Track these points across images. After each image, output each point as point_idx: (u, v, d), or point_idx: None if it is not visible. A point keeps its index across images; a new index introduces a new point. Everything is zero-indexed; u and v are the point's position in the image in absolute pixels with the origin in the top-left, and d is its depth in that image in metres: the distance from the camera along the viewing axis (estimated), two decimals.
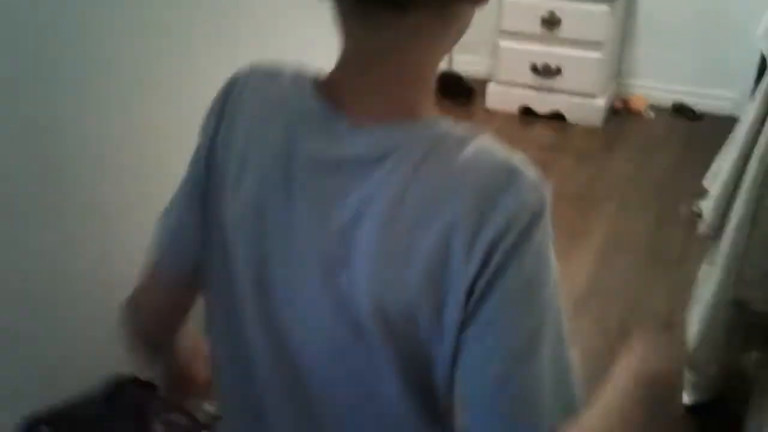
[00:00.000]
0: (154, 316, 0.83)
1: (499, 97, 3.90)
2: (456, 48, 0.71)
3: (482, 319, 0.58)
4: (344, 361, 0.66)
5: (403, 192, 0.60)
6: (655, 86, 3.97)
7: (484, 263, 0.57)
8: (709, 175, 1.90)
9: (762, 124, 1.55)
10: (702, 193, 1.85)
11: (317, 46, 1.28)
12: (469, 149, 0.60)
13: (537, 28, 3.60)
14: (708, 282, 1.75)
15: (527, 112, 3.86)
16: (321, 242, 0.64)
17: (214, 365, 0.80)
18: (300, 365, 0.69)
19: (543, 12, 3.56)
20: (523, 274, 0.58)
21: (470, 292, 0.58)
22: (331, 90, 0.66)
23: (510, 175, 0.59)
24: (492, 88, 3.92)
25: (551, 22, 3.55)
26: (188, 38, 1.56)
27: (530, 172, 0.61)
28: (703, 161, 1.69)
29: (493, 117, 3.89)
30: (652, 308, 2.42)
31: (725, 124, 1.68)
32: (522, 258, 0.58)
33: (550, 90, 3.70)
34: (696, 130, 3.75)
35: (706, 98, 3.92)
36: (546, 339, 0.58)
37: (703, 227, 1.76)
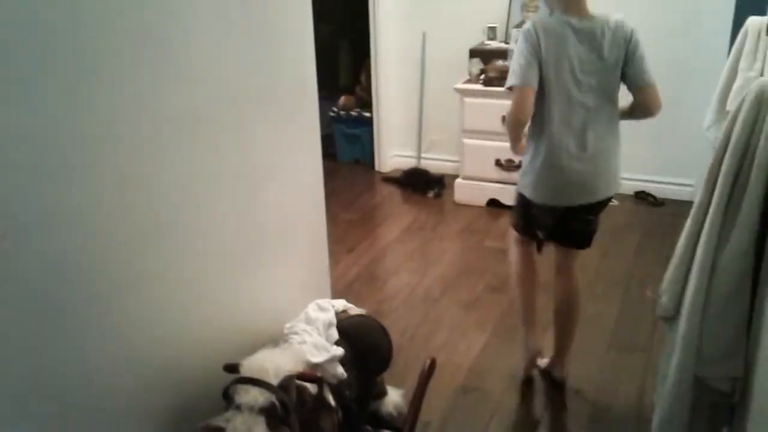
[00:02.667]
0: (528, 110, 2.17)
1: (468, 191, 4.08)
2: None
3: (635, 57, 2.20)
4: (603, 86, 2.22)
5: (606, 33, 2.17)
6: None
7: (632, 46, 2.20)
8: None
9: (707, 207, 1.63)
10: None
11: None
12: (616, 18, 2.20)
13: (498, 126, 3.81)
14: (670, 362, 1.76)
15: (494, 204, 4.04)
16: (591, 55, 2.17)
17: (548, 116, 2.20)
18: (586, 101, 2.20)
19: (504, 111, 3.74)
20: (640, 45, 2.21)
21: (629, 52, 2.21)
22: (569, 12, 2.17)
23: (627, 24, 2.21)
24: (460, 183, 4.11)
25: None
26: None
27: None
28: (672, 245, 1.74)
29: (462, 210, 4.06)
30: (623, 393, 2.46)
31: (687, 209, 1.76)
32: (639, 42, 2.21)
33: (515, 183, 3.84)
34: (658, 215, 3.94)
35: (667, 186, 4.12)
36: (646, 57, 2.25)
37: (660, 309, 1.79)
